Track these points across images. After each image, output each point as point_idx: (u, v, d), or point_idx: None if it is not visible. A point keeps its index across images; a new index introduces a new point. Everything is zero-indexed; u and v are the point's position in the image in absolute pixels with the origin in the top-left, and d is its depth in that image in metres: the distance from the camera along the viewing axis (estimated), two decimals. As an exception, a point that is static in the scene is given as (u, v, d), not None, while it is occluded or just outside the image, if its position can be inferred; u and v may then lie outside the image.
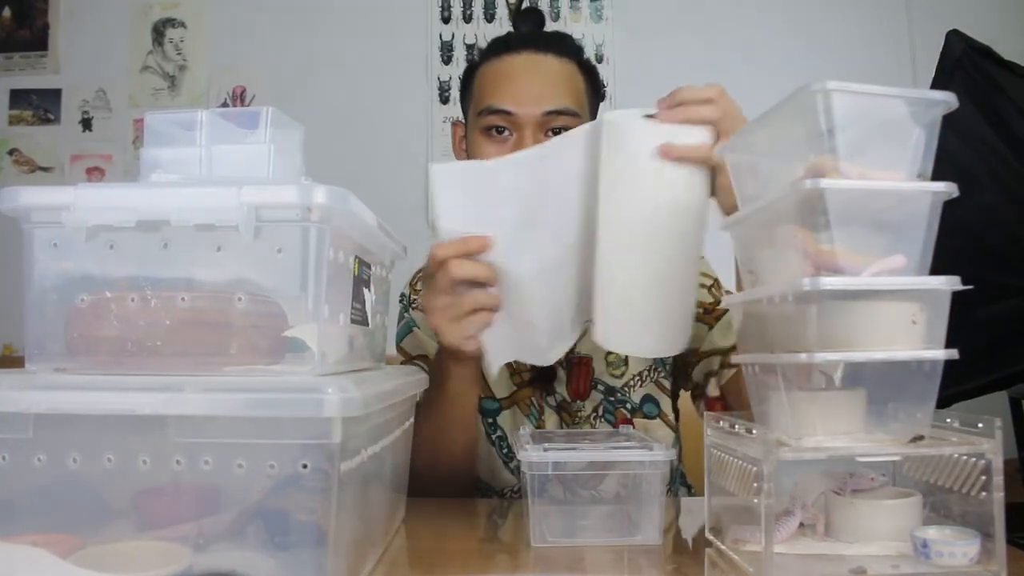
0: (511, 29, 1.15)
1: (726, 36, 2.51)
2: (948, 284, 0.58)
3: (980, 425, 0.60)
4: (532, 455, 0.72)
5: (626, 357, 1.10)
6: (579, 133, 0.85)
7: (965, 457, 0.62)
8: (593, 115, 1.10)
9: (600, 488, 0.78)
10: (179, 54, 2.65)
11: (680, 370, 1.12)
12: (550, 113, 1.00)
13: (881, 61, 2.47)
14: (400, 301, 1.19)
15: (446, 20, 2.61)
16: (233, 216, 0.57)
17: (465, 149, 1.11)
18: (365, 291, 0.71)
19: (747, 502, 0.62)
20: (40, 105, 2.65)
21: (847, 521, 0.66)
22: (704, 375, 1.07)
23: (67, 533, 0.55)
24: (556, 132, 1.01)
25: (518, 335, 0.88)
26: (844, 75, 0.59)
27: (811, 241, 0.60)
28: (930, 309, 0.59)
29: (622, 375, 1.09)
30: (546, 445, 0.75)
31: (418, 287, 1.17)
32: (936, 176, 0.60)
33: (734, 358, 0.73)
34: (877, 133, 0.61)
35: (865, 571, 0.60)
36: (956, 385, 1.19)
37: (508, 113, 1.00)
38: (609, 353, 1.08)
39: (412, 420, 0.86)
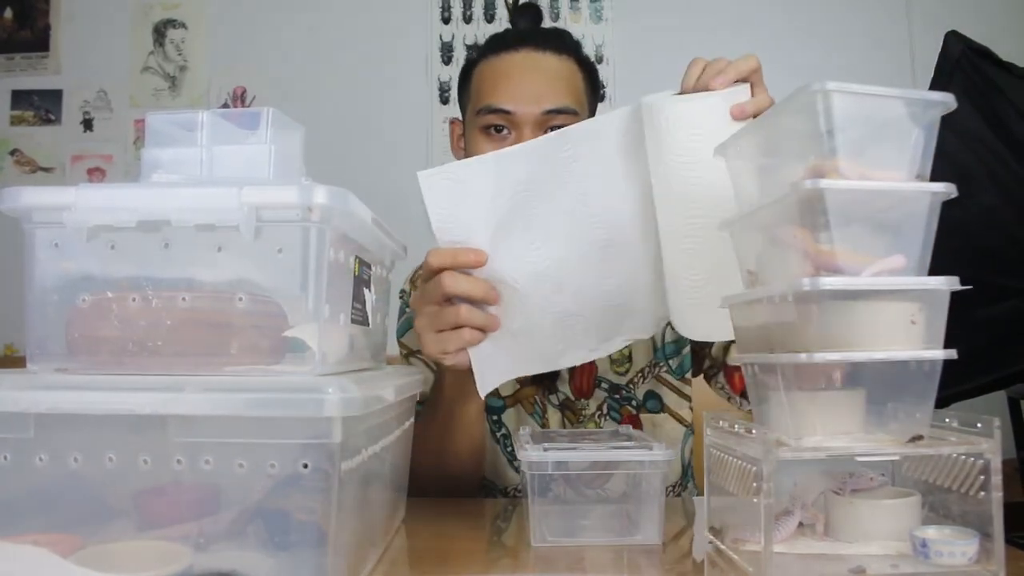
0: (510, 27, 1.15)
1: (726, 36, 2.51)
2: (947, 284, 0.58)
3: (979, 425, 0.60)
4: (532, 455, 0.72)
5: (630, 353, 1.09)
6: (577, 131, 0.84)
7: (964, 457, 0.62)
8: (592, 113, 1.09)
9: (607, 487, 0.78)
10: (180, 55, 2.65)
11: (696, 354, 1.11)
12: (549, 112, 1.00)
13: (881, 61, 2.47)
14: (400, 297, 1.19)
15: (446, 20, 2.61)
16: (234, 216, 0.57)
17: (463, 147, 1.11)
18: (365, 291, 0.72)
19: (747, 502, 0.62)
20: (41, 105, 2.65)
21: (846, 521, 0.66)
22: (723, 349, 1.05)
23: (68, 533, 0.56)
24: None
25: (519, 348, 0.86)
26: (844, 75, 0.59)
27: (811, 241, 0.60)
28: (929, 309, 0.59)
29: (626, 372, 1.09)
30: (546, 445, 0.75)
31: (418, 284, 1.17)
32: (935, 177, 0.60)
33: (733, 358, 0.73)
34: (876, 133, 0.61)
35: (864, 571, 0.60)
36: (955, 385, 1.20)
37: (507, 112, 1.00)
38: None
39: (412, 420, 0.86)
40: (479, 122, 1.03)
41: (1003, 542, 0.59)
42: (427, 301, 0.83)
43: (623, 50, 2.55)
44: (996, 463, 0.59)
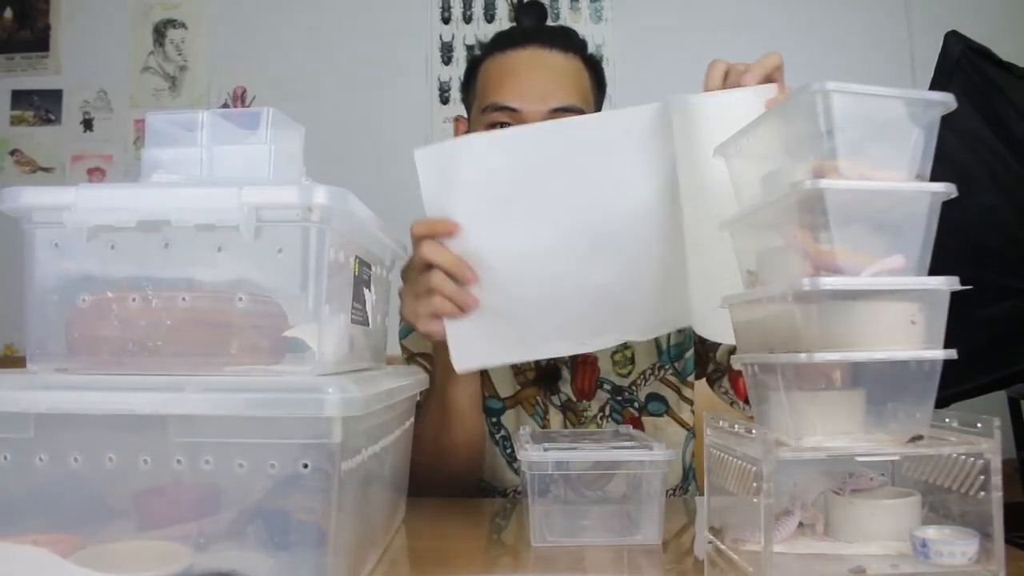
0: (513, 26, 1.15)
1: (726, 36, 2.51)
2: (947, 284, 0.58)
3: (979, 425, 0.60)
4: (532, 455, 0.72)
5: (632, 355, 1.09)
6: (578, 123, 0.85)
7: (964, 457, 0.62)
8: (598, 110, 1.09)
9: (607, 488, 0.78)
10: (180, 55, 2.65)
11: (700, 357, 1.11)
12: (556, 110, 1.00)
13: (881, 61, 2.47)
14: (400, 297, 1.19)
15: (446, 20, 2.61)
16: (234, 216, 0.57)
17: None
18: (365, 291, 0.72)
19: (747, 502, 0.62)
20: (41, 105, 2.66)
21: (846, 521, 0.66)
22: (727, 353, 1.05)
23: (68, 533, 0.55)
24: None
25: (497, 330, 0.87)
26: (844, 75, 0.59)
27: (811, 241, 0.60)
28: (929, 309, 0.59)
29: (629, 374, 1.09)
30: (546, 445, 0.75)
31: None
32: (935, 177, 0.60)
33: (733, 358, 0.73)
34: (876, 133, 0.61)
35: (864, 571, 0.60)
36: (955, 385, 1.20)
37: (513, 110, 1.00)
38: (615, 352, 1.08)
39: (412, 420, 0.86)
40: (485, 119, 1.02)
41: (1003, 542, 0.59)
42: (411, 268, 0.88)
43: (623, 50, 2.55)
44: (996, 463, 0.59)
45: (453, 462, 1.01)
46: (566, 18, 2.59)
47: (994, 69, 1.26)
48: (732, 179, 0.73)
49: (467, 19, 2.61)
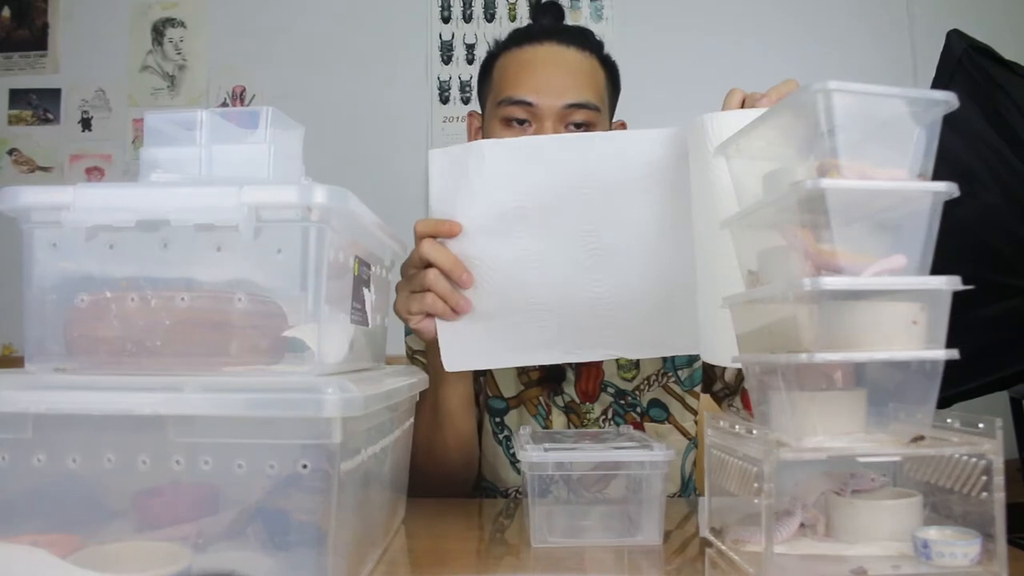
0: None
1: (726, 35, 2.51)
2: (949, 284, 0.58)
3: (981, 425, 0.60)
4: (533, 455, 0.72)
5: (637, 360, 1.09)
6: (595, 139, 0.85)
7: (966, 457, 0.62)
8: (612, 111, 1.10)
9: (606, 491, 0.78)
10: (179, 54, 2.65)
11: (707, 373, 1.10)
12: (571, 106, 1.00)
13: (881, 61, 2.47)
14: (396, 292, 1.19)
15: (446, 20, 2.61)
16: (233, 216, 0.57)
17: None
18: (365, 291, 0.71)
19: (747, 502, 0.62)
20: (39, 105, 2.65)
21: (848, 521, 0.66)
22: (736, 374, 1.05)
23: (67, 533, 0.55)
24: (577, 126, 1.01)
25: (490, 334, 0.87)
26: (844, 75, 0.58)
27: (811, 241, 0.60)
28: (931, 309, 0.59)
29: (633, 378, 1.09)
30: (547, 445, 0.75)
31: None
32: (937, 176, 0.60)
33: (734, 358, 0.73)
34: (877, 133, 0.61)
35: (866, 571, 0.60)
36: (957, 385, 1.20)
37: (529, 104, 1.00)
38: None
39: (412, 420, 0.86)
40: (500, 113, 1.02)
41: (1005, 543, 0.59)
42: (409, 264, 0.88)
43: (623, 49, 2.54)
44: (998, 464, 0.59)
45: (445, 462, 1.01)
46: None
47: (996, 68, 1.25)
48: (732, 178, 0.73)
49: (467, 18, 2.60)
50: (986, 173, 1.22)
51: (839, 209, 0.58)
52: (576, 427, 1.08)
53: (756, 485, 0.59)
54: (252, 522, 0.56)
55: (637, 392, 1.08)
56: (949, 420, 0.63)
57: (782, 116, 0.65)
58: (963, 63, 1.28)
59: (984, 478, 0.60)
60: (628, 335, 0.88)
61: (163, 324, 0.58)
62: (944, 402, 0.60)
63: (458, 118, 2.54)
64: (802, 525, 0.68)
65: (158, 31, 2.65)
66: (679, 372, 1.10)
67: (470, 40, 2.58)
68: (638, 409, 1.08)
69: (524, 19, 2.54)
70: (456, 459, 1.02)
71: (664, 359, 1.09)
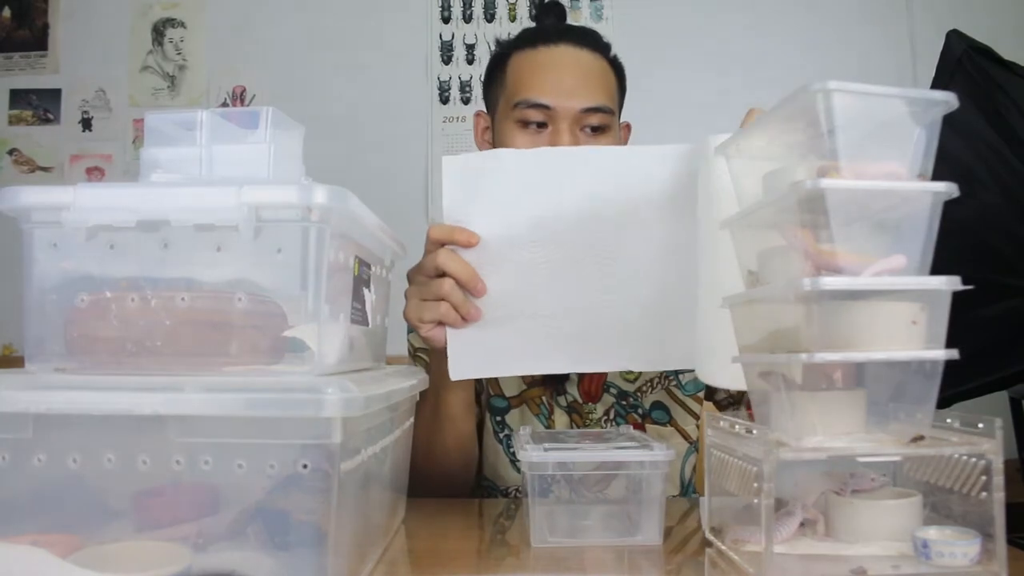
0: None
1: (726, 36, 2.51)
2: (948, 284, 0.58)
3: (980, 425, 0.60)
4: (533, 455, 0.72)
5: None
6: (609, 153, 0.86)
7: (965, 457, 0.62)
8: (620, 112, 1.10)
9: (607, 491, 0.78)
10: (179, 54, 2.65)
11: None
12: (587, 110, 1.00)
13: (881, 61, 2.47)
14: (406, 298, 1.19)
15: (446, 20, 2.61)
16: (233, 216, 0.57)
17: (489, 140, 1.10)
18: (365, 291, 0.71)
19: (747, 502, 0.62)
20: (40, 105, 2.65)
21: (847, 521, 0.66)
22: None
23: (67, 533, 0.55)
24: (593, 129, 1.01)
25: (498, 342, 0.87)
26: (845, 74, 0.59)
27: (812, 241, 0.60)
28: (930, 309, 0.59)
29: (635, 380, 1.09)
30: (547, 445, 0.75)
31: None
32: (936, 176, 0.60)
33: (734, 358, 0.73)
34: (878, 133, 0.61)
35: (865, 571, 0.60)
36: (956, 385, 1.19)
37: (546, 107, 1.00)
38: None
39: (412, 420, 0.86)
40: (515, 115, 1.02)
41: (1005, 543, 0.59)
42: (421, 271, 0.87)
43: (623, 50, 2.54)
44: (998, 463, 0.59)
45: (445, 463, 1.01)
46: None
47: (996, 68, 1.25)
48: (732, 179, 0.73)
49: (467, 18, 2.60)
50: (986, 173, 1.22)
51: (839, 209, 0.58)
52: (578, 427, 1.08)
53: (756, 485, 0.59)
54: (252, 522, 0.56)
55: (639, 394, 1.08)
56: (949, 420, 0.63)
57: (782, 116, 0.65)
58: (963, 63, 1.28)
59: (984, 478, 0.60)
60: (633, 348, 0.89)
61: (163, 324, 0.58)
62: (944, 402, 0.60)
63: (458, 118, 2.55)
64: (802, 525, 0.68)
65: (158, 31, 2.65)
66: (680, 376, 1.10)
67: (470, 40, 2.58)
68: (640, 411, 1.08)
69: (524, 19, 2.54)
70: (456, 460, 1.02)
71: None
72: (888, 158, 0.60)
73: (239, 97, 2.61)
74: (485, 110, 1.13)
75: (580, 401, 1.08)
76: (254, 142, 0.65)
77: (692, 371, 1.08)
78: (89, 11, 2.66)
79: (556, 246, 0.85)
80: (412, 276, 0.89)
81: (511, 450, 1.08)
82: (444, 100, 2.58)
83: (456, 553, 0.76)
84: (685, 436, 1.09)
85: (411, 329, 1.12)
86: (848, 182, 0.58)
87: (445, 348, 0.87)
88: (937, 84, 1.34)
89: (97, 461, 0.55)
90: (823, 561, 0.63)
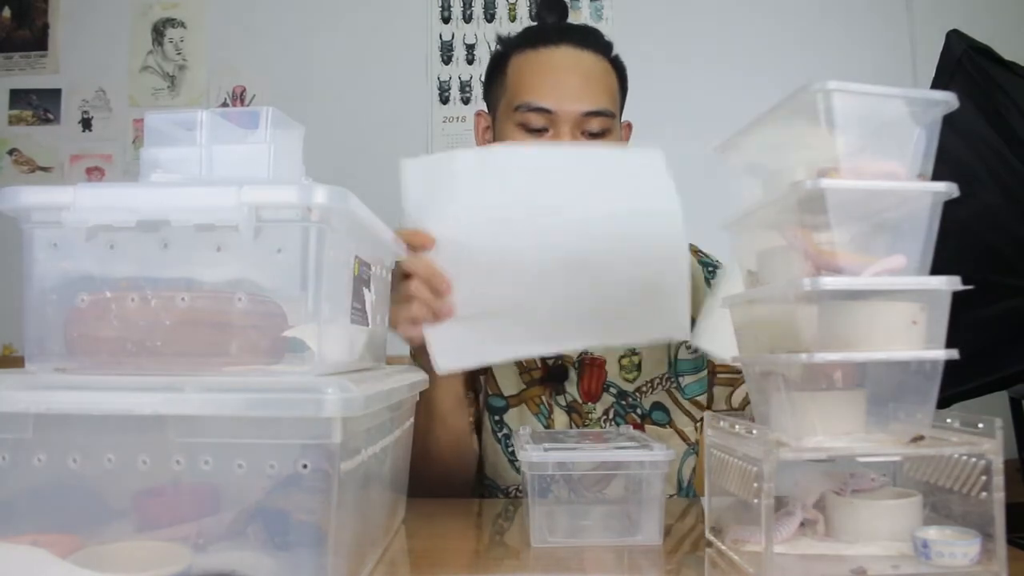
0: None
1: (726, 36, 2.51)
2: (948, 284, 0.58)
3: (980, 425, 0.60)
4: (532, 455, 0.72)
5: (640, 362, 1.09)
6: (570, 151, 0.91)
7: (965, 457, 0.62)
8: (621, 113, 1.10)
9: (606, 491, 0.78)
10: (179, 54, 2.65)
11: (713, 389, 1.09)
12: (589, 114, 1.00)
13: (881, 61, 2.47)
14: None
15: (446, 20, 2.61)
16: (233, 216, 0.57)
17: (490, 140, 1.10)
18: (365, 291, 0.71)
19: (747, 502, 0.62)
20: (40, 105, 2.65)
21: (847, 521, 0.66)
22: (743, 399, 1.05)
23: (67, 533, 0.55)
24: (593, 135, 1.02)
25: (477, 333, 0.90)
26: (844, 75, 0.59)
27: (811, 241, 0.60)
28: (930, 309, 0.59)
29: (635, 380, 1.08)
30: (546, 445, 0.75)
31: None
32: (936, 176, 0.60)
33: (734, 358, 0.73)
34: (878, 133, 0.61)
35: (865, 571, 0.60)
36: (956, 385, 1.19)
37: (548, 111, 1.00)
38: (623, 356, 1.08)
39: (412, 420, 0.86)
40: (516, 118, 1.02)
41: (1005, 543, 0.59)
42: (394, 276, 0.89)
43: (623, 50, 2.54)
44: (998, 463, 0.59)
45: (441, 462, 1.01)
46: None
47: (996, 68, 1.25)
48: (732, 178, 0.73)
49: (467, 18, 2.60)
50: (986, 173, 1.22)
51: (839, 209, 0.58)
52: (578, 427, 1.08)
53: (756, 485, 0.59)
54: (252, 522, 0.56)
55: (639, 394, 1.08)
56: (949, 420, 0.63)
57: (782, 116, 0.65)
58: (963, 63, 1.28)
59: (984, 478, 0.60)
60: (608, 326, 0.92)
61: (163, 324, 0.58)
62: (944, 402, 0.60)
63: (458, 118, 2.54)
64: (802, 525, 0.68)
65: (158, 31, 2.65)
66: (680, 378, 1.09)
67: (470, 40, 2.58)
68: (639, 411, 1.08)
69: (524, 19, 2.54)
70: (452, 459, 1.03)
71: (668, 366, 1.09)
72: (888, 158, 0.60)
73: (239, 97, 2.61)
74: (486, 109, 1.13)
75: (580, 401, 1.08)
76: (254, 142, 0.65)
77: (693, 375, 1.09)
78: (89, 11, 2.66)
79: (523, 239, 0.88)
80: (391, 281, 0.91)
81: (509, 450, 1.08)
82: (444, 100, 2.57)
83: (456, 553, 0.76)
84: (684, 438, 1.09)
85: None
86: (848, 182, 0.58)
87: (425, 346, 0.90)
88: (937, 84, 1.34)
89: (97, 461, 0.55)
90: (823, 561, 0.63)
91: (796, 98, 0.60)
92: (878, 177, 0.59)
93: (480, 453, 1.11)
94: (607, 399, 1.08)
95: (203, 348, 0.58)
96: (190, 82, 2.64)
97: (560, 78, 1.01)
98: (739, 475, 0.65)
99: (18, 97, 2.65)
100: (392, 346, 0.93)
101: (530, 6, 2.55)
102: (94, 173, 2.61)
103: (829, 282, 0.56)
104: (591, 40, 1.05)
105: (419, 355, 0.96)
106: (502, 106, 1.07)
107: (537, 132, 1.01)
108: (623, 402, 1.08)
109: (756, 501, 0.59)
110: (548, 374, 1.08)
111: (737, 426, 0.66)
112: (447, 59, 2.59)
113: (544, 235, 0.88)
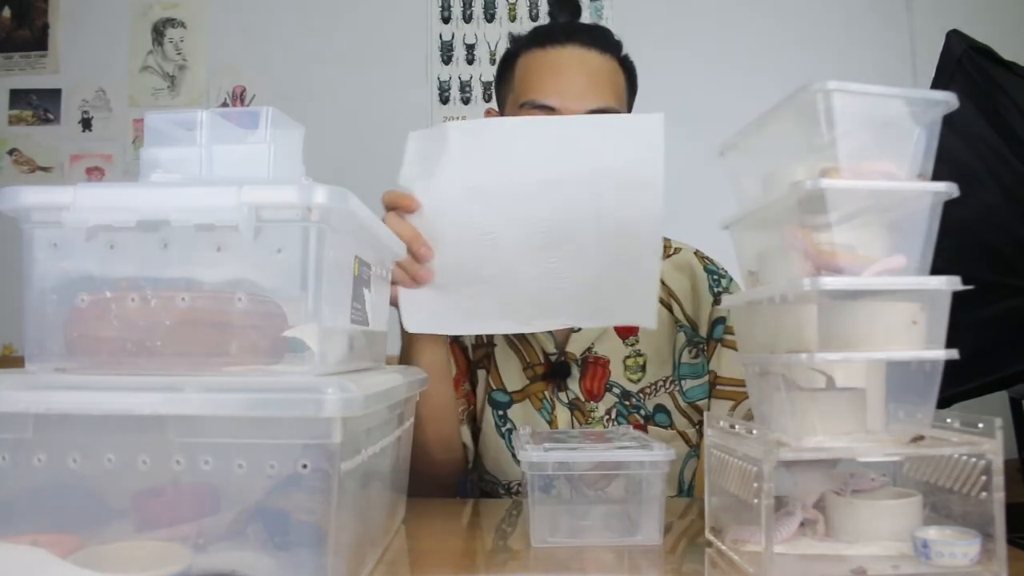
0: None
1: (726, 36, 2.51)
2: (948, 284, 0.58)
3: (980, 425, 0.60)
4: (533, 455, 0.72)
5: (644, 363, 1.09)
6: (550, 123, 0.92)
7: (965, 457, 0.62)
8: (630, 111, 1.11)
9: (607, 491, 0.78)
10: (179, 54, 2.64)
11: (714, 400, 1.09)
12: (593, 111, 1.00)
13: (881, 61, 2.47)
14: None
15: (446, 20, 2.61)
16: (233, 216, 0.57)
17: None
18: (365, 291, 0.71)
19: (747, 502, 0.62)
20: (40, 105, 2.65)
21: (847, 521, 0.66)
22: (746, 413, 1.03)
23: (67, 533, 0.55)
24: None
25: (448, 300, 0.93)
26: (844, 75, 0.59)
27: (811, 241, 0.60)
28: (930, 309, 0.59)
29: (639, 380, 1.09)
30: (547, 445, 0.75)
31: None
32: (936, 176, 0.60)
33: (734, 358, 0.73)
34: (878, 133, 0.61)
35: (865, 571, 0.60)
36: (956, 385, 1.19)
37: (552, 109, 1.01)
38: (627, 357, 1.08)
39: (412, 420, 0.86)
40: (521, 115, 1.03)
41: (1005, 543, 0.59)
42: None
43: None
44: (998, 463, 0.59)
45: (425, 459, 1.01)
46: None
47: (996, 68, 1.25)
48: (732, 178, 0.73)
49: (467, 18, 2.60)
50: (986, 173, 1.22)
51: (839, 209, 0.58)
52: (580, 424, 1.08)
53: (756, 485, 0.59)
54: (252, 522, 0.56)
55: (642, 395, 1.08)
56: (949, 420, 0.63)
57: (782, 116, 0.65)
58: (963, 63, 1.28)
59: (984, 478, 0.60)
60: (581, 307, 0.95)
61: (163, 324, 0.58)
62: (944, 402, 0.60)
63: (458, 118, 2.54)
64: (802, 525, 0.68)
65: (158, 31, 2.65)
66: (682, 382, 1.09)
67: (470, 40, 2.58)
68: (642, 412, 1.08)
69: (524, 19, 2.54)
70: (438, 459, 1.04)
71: (673, 369, 1.09)
72: (888, 158, 0.61)
73: (239, 97, 2.61)
74: (496, 107, 1.15)
75: (582, 399, 1.08)
76: (254, 142, 0.65)
77: (694, 379, 1.09)
78: (89, 11, 2.66)
79: (503, 214, 0.90)
80: None
81: (513, 445, 1.08)
82: (444, 100, 2.57)
83: (456, 553, 0.76)
84: (686, 440, 1.09)
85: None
86: (848, 182, 0.58)
87: (398, 307, 0.92)
88: (937, 84, 1.34)
89: (97, 461, 0.55)
90: (823, 561, 0.63)
91: (796, 98, 0.60)
92: (878, 177, 0.59)
93: (480, 449, 1.11)
94: (609, 399, 1.08)
95: (203, 348, 0.58)
96: (190, 82, 2.64)
97: (565, 77, 1.02)
98: (739, 475, 0.65)
99: (18, 97, 2.65)
100: (392, 346, 0.93)
101: (530, 6, 2.56)
102: (94, 173, 2.61)
103: (829, 282, 0.56)
104: (599, 40, 1.06)
105: (411, 340, 0.98)
106: (509, 104, 1.08)
107: None
108: (626, 402, 1.08)
109: (756, 501, 0.59)
110: (550, 370, 1.08)
111: (737, 426, 0.66)
112: (447, 59, 2.59)
113: (524, 211, 0.90)
